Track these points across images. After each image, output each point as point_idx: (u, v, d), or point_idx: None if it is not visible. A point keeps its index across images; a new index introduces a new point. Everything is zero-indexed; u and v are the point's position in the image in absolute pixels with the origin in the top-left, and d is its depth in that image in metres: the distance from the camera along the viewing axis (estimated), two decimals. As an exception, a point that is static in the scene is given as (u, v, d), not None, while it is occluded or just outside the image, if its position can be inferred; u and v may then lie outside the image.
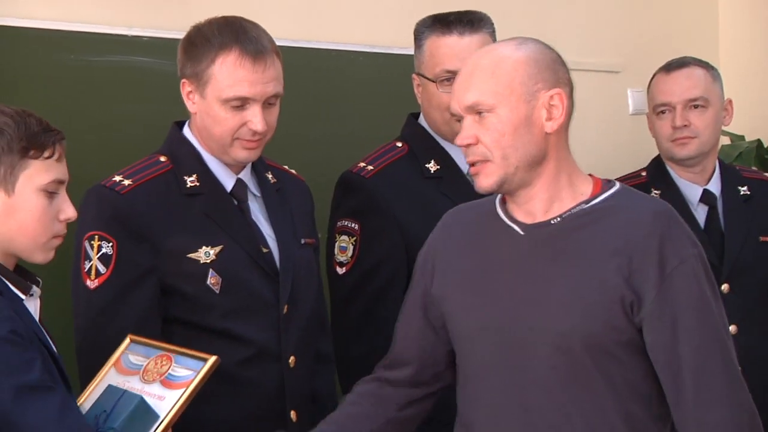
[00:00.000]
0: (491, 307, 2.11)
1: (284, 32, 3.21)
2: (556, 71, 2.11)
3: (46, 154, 2.03)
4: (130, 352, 2.23)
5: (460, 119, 2.11)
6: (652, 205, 2.12)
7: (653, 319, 2.01)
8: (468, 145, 2.09)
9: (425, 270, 2.25)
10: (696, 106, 3.10)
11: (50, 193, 2.04)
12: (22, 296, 2.04)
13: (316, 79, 3.41)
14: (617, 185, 2.14)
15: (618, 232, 2.04)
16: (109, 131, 2.96)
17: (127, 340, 2.25)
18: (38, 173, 2.02)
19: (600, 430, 2.04)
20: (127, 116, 2.99)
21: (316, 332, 2.62)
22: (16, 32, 2.84)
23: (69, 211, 2.08)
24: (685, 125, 3.09)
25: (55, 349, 2.07)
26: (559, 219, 2.09)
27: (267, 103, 2.43)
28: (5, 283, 2.02)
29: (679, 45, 4.00)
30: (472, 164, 2.11)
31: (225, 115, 2.41)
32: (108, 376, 2.20)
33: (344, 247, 2.74)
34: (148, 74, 3.02)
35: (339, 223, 2.76)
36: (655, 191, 3.12)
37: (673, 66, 3.16)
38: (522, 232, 2.11)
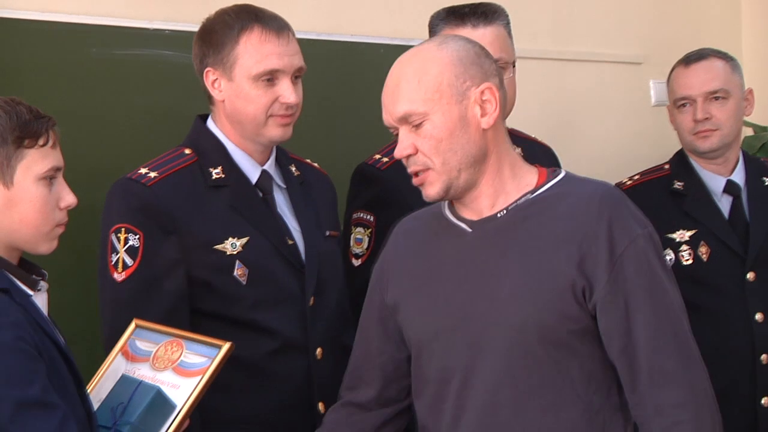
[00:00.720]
0: (444, 309, 2.08)
1: (307, 25, 3.23)
2: (482, 65, 2.06)
3: (41, 141, 1.97)
4: (136, 338, 2.21)
5: (396, 131, 2.07)
6: (599, 189, 2.07)
7: (606, 303, 1.98)
8: (408, 156, 2.06)
9: (380, 283, 2.22)
10: (716, 98, 3.09)
11: (49, 182, 1.99)
12: (30, 292, 2.00)
13: (340, 72, 3.40)
14: (563, 173, 2.11)
15: (565, 219, 2.02)
16: (132, 124, 2.95)
17: (132, 325, 2.23)
18: (35, 162, 1.97)
19: (561, 423, 2.00)
20: (150, 109, 2.99)
21: (341, 324, 2.61)
22: (39, 26, 2.84)
23: (69, 198, 2.03)
24: (707, 118, 3.08)
25: (63, 342, 2.03)
26: (505, 212, 2.07)
27: (294, 77, 2.45)
28: (11, 279, 1.97)
29: (702, 36, 3.99)
30: (414, 174, 2.07)
31: (257, 92, 2.43)
32: (116, 363, 2.18)
33: (360, 239, 2.75)
34: (169, 67, 3.02)
35: (355, 215, 2.77)
36: (679, 183, 3.13)
37: (691, 59, 3.15)
38: (469, 229, 2.09)
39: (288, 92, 2.43)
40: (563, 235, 2.00)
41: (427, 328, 2.11)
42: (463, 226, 2.10)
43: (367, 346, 2.25)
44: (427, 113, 2.02)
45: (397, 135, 2.08)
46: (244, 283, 2.40)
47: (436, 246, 2.14)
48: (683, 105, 3.14)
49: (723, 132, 3.09)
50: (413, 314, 2.14)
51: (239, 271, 2.40)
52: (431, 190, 2.06)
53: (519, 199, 2.07)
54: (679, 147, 3.25)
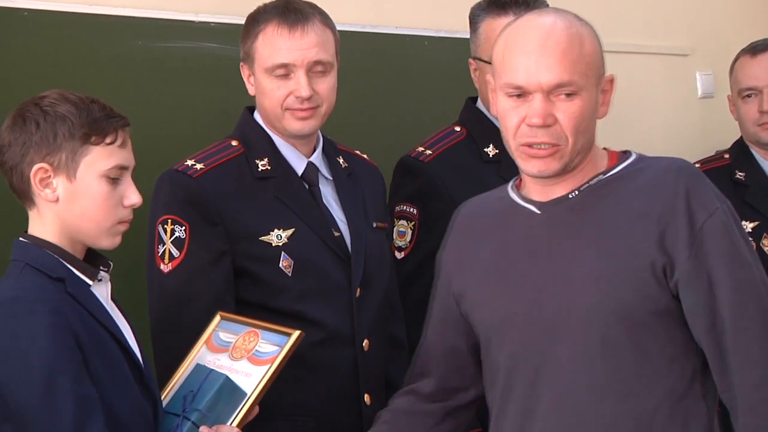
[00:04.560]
0: (515, 294, 2.02)
1: (350, 17, 3.24)
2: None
3: (108, 140, 2.02)
4: (220, 330, 2.24)
5: (519, 94, 1.97)
6: (673, 164, 2.01)
7: (688, 280, 1.91)
8: (544, 125, 1.96)
9: (443, 272, 2.18)
10: None
11: (113, 179, 2.04)
12: (89, 282, 2.04)
13: (384, 64, 3.40)
14: (634, 155, 2.06)
15: (640, 196, 1.96)
16: (180, 117, 2.97)
17: (217, 318, 2.26)
18: (100, 159, 2.02)
19: (642, 411, 1.94)
20: (197, 102, 3.00)
21: (389, 316, 2.61)
22: (87, 19, 2.86)
23: (134, 197, 2.07)
24: None
25: (126, 332, 2.07)
26: (576, 192, 2.01)
27: (315, 71, 2.45)
28: (69, 269, 2.02)
29: (749, 27, 3.95)
30: (538, 145, 1.97)
31: (271, 86, 2.44)
32: (200, 355, 2.22)
33: (403, 232, 2.74)
34: (216, 60, 3.03)
35: (398, 208, 2.76)
36: (740, 173, 3.10)
37: (758, 49, 3.12)
38: (538, 211, 2.04)
39: (300, 86, 2.42)
40: (639, 213, 1.94)
41: (495, 314, 2.06)
42: (532, 207, 2.05)
43: (431, 336, 2.23)
44: (582, 88, 1.95)
45: (510, 102, 1.97)
46: (290, 274, 2.40)
47: (503, 229, 2.08)
48: (748, 95, 3.10)
49: None
50: (481, 300, 2.09)
51: (285, 263, 2.40)
52: (554, 165, 1.97)
53: (591, 179, 2.02)
54: (726, 139, 3.23)
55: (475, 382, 2.19)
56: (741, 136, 3.20)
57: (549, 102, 1.95)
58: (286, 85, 2.43)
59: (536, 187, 2.05)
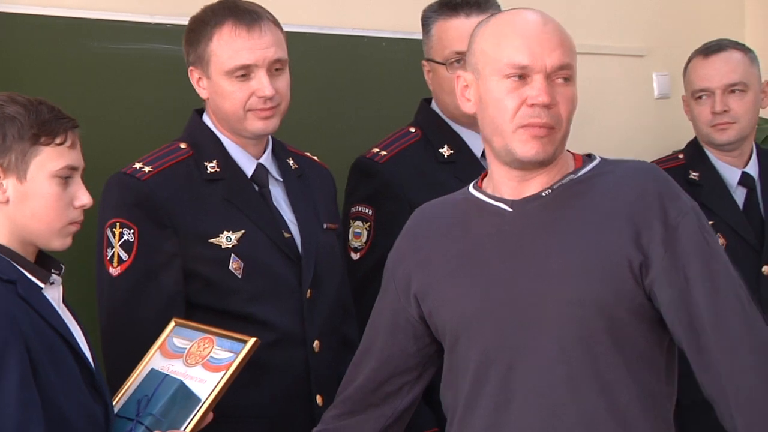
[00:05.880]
0: (486, 290, 2.01)
1: (308, 18, 3.23)
2: None
3: (58, 140, 2.04)
4: (174, 336, 2.25)
5: (521, 75, 1.96)
6: (642, 165, 2.05)
7: (666, 275, 1.93)
8: (548, 106, 1.96)
9: (397, 274, 2.15)
10: (734, 91, 3.08)
11: (63, 180, 2.05)
12: (41, 285, 2.04)
13: (341, 66, 3.39)
14: (598, 158, 2.08)
15: (613, 196, 1.98)
16: (131, 119, 2.95)
17: (172, 324, 2.27)
18: (50, 159, 2.03)
19: (617, 406, 1.94)
20: (149, 104, 2.99)
21: (340, 317, 2.61)
22: (40, 20, 2.84)
23: (84, 198, 2.09)
24: (725, 111, 3.07)
25: (77, 335, 2.08)
26: (549, 191, 2.02)
27: (273, 70, 2.45)
28: (21, 272, 2.02)
29: (705, 28, 3.98)
30: (535, 126, 1.95)
31: (232, 88, 2.43)
32: (153, 360, 2.22)
33: (358, 233, 2.75)
34: (170, 62, 3.01)
35: (353, 209, 2.76)
36: (694, 173, 3.12)
37: (710, 50, 3.13)
38: (510, 209, 2.03)
39: (262, 85, 2.42)
40: (612, 211, 1.96)
41: (465, 311, 2.03)
42: (502, 205, 2.04)
43: (374, 340, 2.21)
44: (575, 75, 1.99)
45: (511, 86, 1.96)
46: (240, 276, 2.40)
47: (470, 227, 2.07)
48: (701, 96, 3.12)
49: (741, 125, 3.09)
50: (449, 297, 2.06)
51: (235, 265, 2.40)
52: (548, 148, 1.97)
53: (563, 178, 2.03)
54: (682, 139, 3.25)
55: (410, 390, 2.19)
56: (695, 137, 3.22)
57: (549, 84, 1.97)
58: (247, 86, 2.43)
59: (510, 184, 2.04)
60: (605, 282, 1.94)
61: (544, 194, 2.02)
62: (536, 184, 2.03)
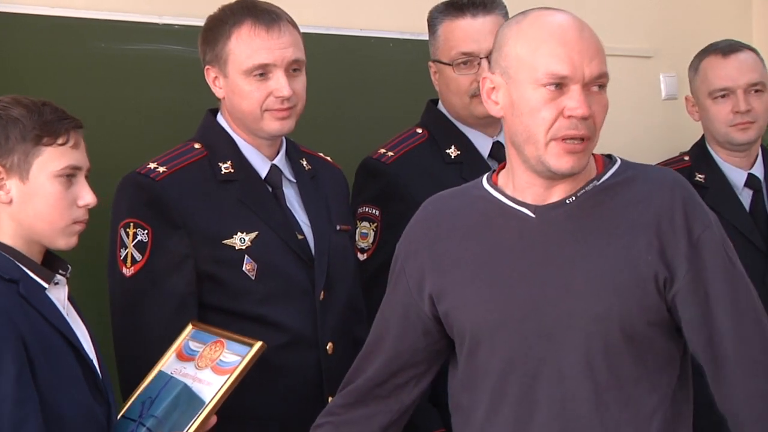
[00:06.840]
0: (510, 297, 1.98)
1: (315, 19, 3.23)
2: None
3: (60, 140, 2.06)
4: (191, 339, 2.25)
5: (557, 84, 1.90)
6: (667, 174, 2.02)
7: (687, 293, 1.93)
8: (584, 117, 1.90)
9: (409, 267, 2.11)
10: (756, 91, 3.07)
11: (66, 179, 2.07)
12: (45, 285, 2.06)
13: (349, 66, 3.40)
14: (619, 160, 2.04)
15: (638, 206, 1.95)
16: (142, 119, 2.96)
17: (189, 327, 2.27)
18: (52, 159, 2.06)
19: (640, 418, 1.94)
20: (160, 104, 2.99)
21: (353, 318, 2.60)
22: (49, 21, 2.84)
23: (87, 197, 2.10)
24: (748, 110, 3.05)
25: (81, 335, 2.09)
26: (573, 198, 1.98)
27: (291, 70, 2.44)
28: (24, 271, 2.04)
29: (712, 29, 3.97)
30: (575, 139, 1.91)
31: (249, 87, 2.43)
32: (168, 363, 2.23)
33: (365, 234, 2.74)
34: (179, 62, 3.02)
35: (360, 209, 2.76)
36: (699, 175, 3.10)
37: (727, 50, 3.11)
38: (533, 215, 2.00)
39: (280, 85, 2.41)
40: (638, 223, 1.94)
41: (487, 317, 2.00)
42: (525, 210, 2.00)
43: (384, 333, 2.17)
44: (607, 81, 1.94)
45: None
46: (253, 278, 2.40)
47: (491, 232, 2.02)
48: (721, 96, 3.10)
49: (760, 124, 3.09)
50: (469, 301, 2.02)
51: (248, 266, 2.40)
52: (581, 161, 1.93)
53: (586, 185, 1.99)
54: (689, 140, 3.24)
55: (416, 384, 2.17)
56: (701, 138, 3.20)
57: (585, 93, 1.92)
58: (265, 85, 2.42)
59: (534, 190, 2.01)
60: (631, 296, 1.93)
61: (568, 201, 1.99)
62: (560, 191, 2.00)
